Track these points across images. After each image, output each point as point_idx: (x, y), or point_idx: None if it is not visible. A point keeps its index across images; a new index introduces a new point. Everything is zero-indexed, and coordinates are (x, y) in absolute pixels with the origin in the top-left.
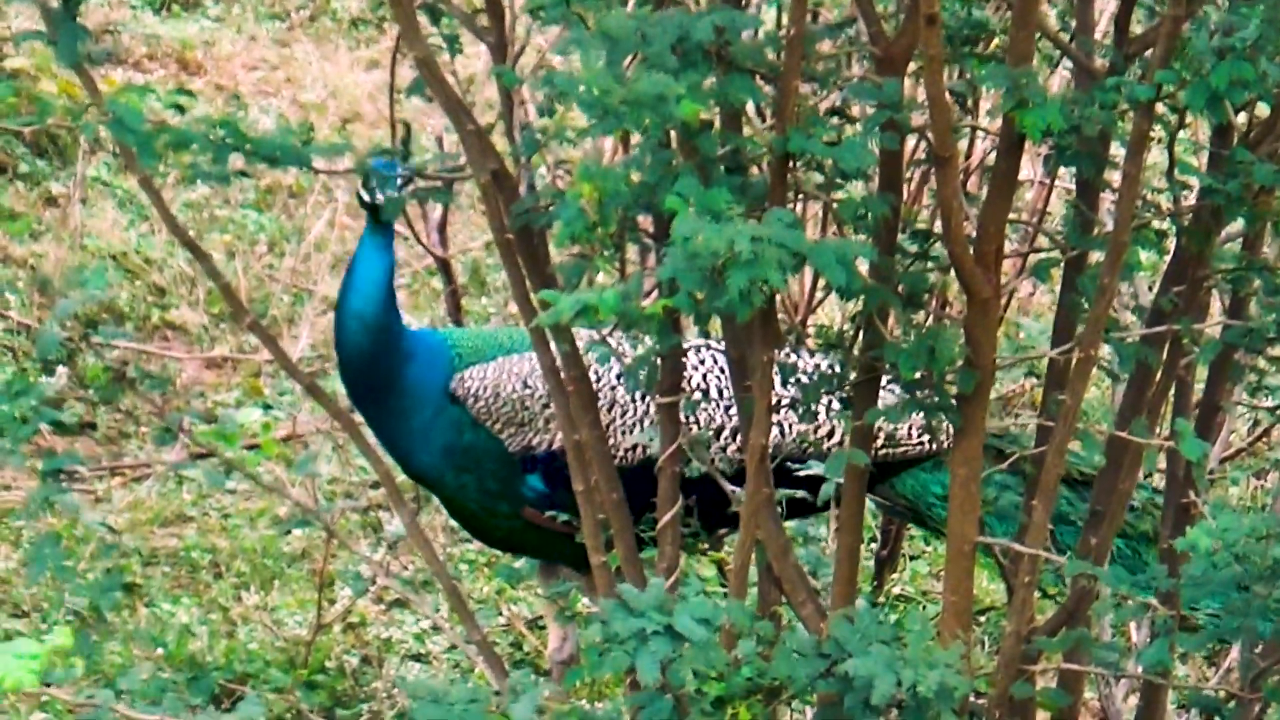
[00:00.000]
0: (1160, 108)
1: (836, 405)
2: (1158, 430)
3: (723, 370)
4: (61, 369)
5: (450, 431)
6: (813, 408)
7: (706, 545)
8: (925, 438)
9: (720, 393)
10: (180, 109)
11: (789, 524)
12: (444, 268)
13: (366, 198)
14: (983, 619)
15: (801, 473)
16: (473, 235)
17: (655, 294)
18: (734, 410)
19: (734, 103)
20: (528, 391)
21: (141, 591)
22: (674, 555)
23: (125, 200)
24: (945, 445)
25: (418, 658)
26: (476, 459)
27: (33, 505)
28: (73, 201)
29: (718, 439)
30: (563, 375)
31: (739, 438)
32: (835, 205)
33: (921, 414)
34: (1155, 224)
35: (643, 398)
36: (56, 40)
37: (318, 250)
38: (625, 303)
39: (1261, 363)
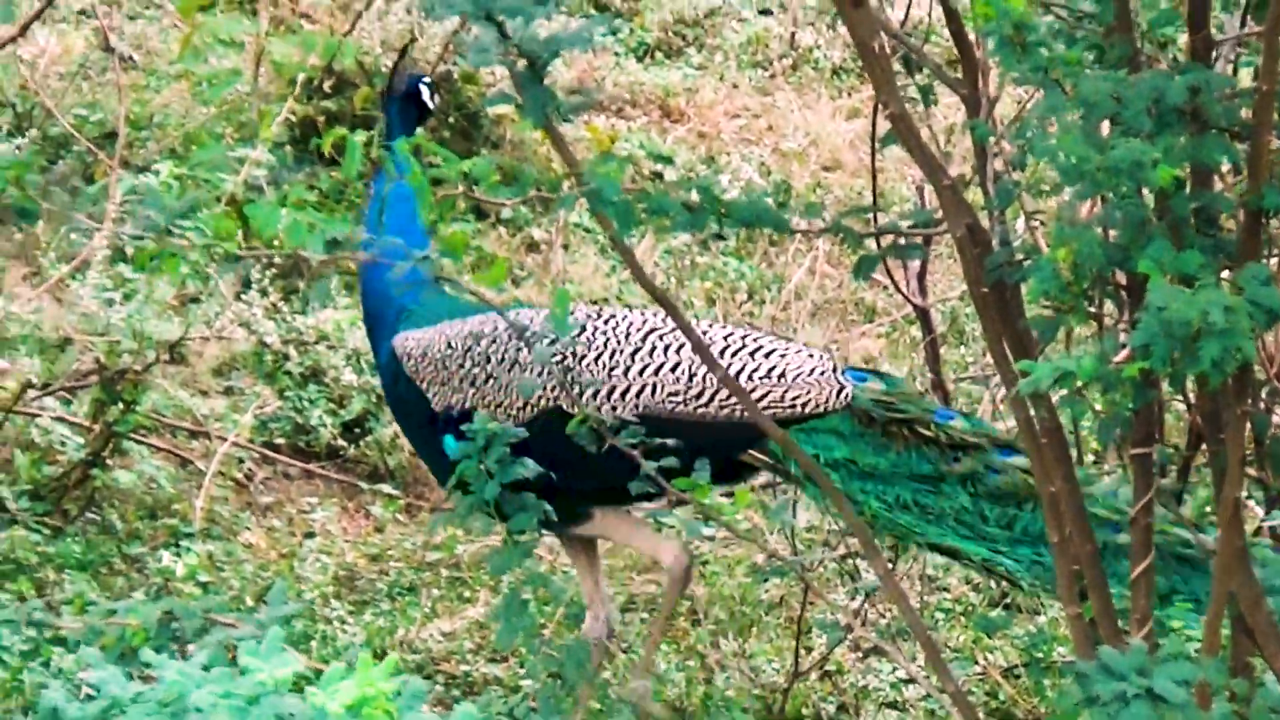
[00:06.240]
0: None
1: None
2: None
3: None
4: None
5: (386, 380)
6: None
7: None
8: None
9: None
10: (669, 159)
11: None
12: (923, 317)
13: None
14: None
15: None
16: (952, 284)
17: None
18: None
19: (1207, 162)
20: (449, 352)
21: (619, 638)
22: (1146, 606)
23: (607, 246)
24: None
25: (893, 706)
26: (406, 412)
27: (501, 559)
28: (554, 247)
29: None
30: (1037, 428)
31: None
32: None
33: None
34: None
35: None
36: (523, 104)
37: (797, 298)
38: (1102, 366)
39: None
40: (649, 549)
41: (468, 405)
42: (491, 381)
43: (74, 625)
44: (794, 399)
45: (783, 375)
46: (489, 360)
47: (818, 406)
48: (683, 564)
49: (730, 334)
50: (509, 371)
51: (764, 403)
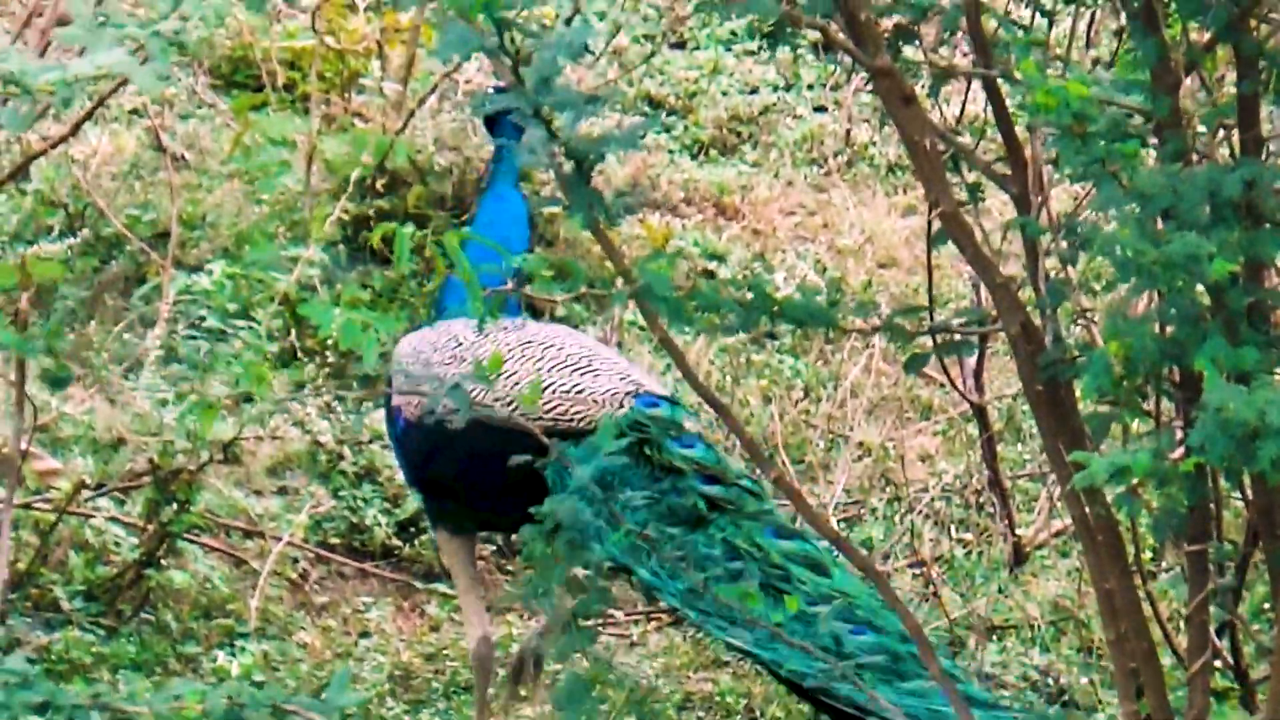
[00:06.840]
0: None
1: None
2: None
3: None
4: None
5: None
6: None
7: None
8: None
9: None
10: (720, 257)
11: None
12: (979, 414)
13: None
14: None
15: None
16: (1008, 381)
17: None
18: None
19: (1262, 256)
20: (407, 350)
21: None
22: (1203, 703)
23: (659, 347)
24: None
25: None
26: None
27: (564, 644)
28: (609, 345)
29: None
30: (1092, 525)
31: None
32: None
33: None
34: None
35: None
36: (570, 205)
37: (853, 395)
38: (1158, 462)
39: None
40: (466, 614)
41: (404, 406)
42: (410, 380)
43: (139, 709)
44: (575, 414)
45: (580, 392)
46: (415, 359)
47: (592, 423)
48: (482, 651)
49: (550, 344)
50: (423, 370)
51: (551, 414)
